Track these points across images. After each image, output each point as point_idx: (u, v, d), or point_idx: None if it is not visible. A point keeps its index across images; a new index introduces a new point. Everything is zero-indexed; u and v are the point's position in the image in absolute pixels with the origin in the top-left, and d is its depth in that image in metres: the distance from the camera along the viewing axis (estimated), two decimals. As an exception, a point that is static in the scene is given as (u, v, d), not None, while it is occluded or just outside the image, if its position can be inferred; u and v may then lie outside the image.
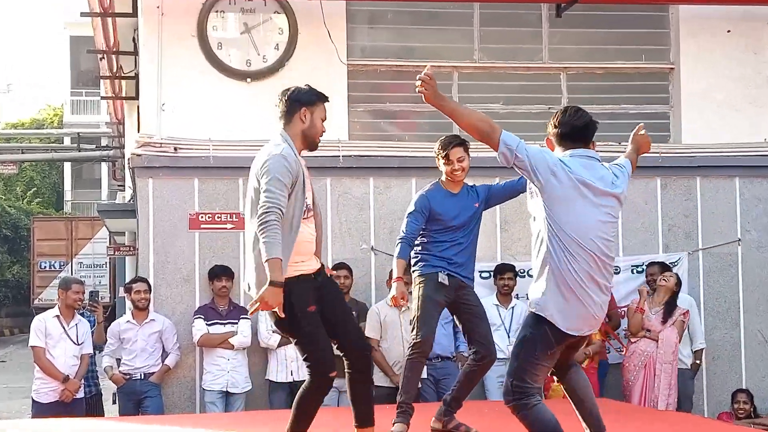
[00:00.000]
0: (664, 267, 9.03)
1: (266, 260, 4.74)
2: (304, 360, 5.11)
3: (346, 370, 5.25)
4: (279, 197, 4.83)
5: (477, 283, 8.82)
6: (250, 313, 5.12)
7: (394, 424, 6.05)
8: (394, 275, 6.29)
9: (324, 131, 5.28)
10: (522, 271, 9.47)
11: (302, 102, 5.19)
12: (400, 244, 6.30)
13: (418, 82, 4.69)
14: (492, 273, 9.25)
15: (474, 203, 6.40)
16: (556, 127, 4.91)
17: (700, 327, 9.38)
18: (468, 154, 6.35)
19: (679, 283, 8.90)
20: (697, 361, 9.25)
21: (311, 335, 5.07)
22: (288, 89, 5.28)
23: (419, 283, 6.25)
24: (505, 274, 9.08)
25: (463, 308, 6.38)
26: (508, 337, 8.95)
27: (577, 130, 4.88)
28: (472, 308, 6.41)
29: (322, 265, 5.30)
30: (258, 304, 4.74)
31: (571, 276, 4.68)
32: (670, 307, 8.76)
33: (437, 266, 6.25)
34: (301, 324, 5.03)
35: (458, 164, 6.28)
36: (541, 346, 4.77)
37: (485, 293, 9.01)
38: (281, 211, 4.81)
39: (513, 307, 9.09)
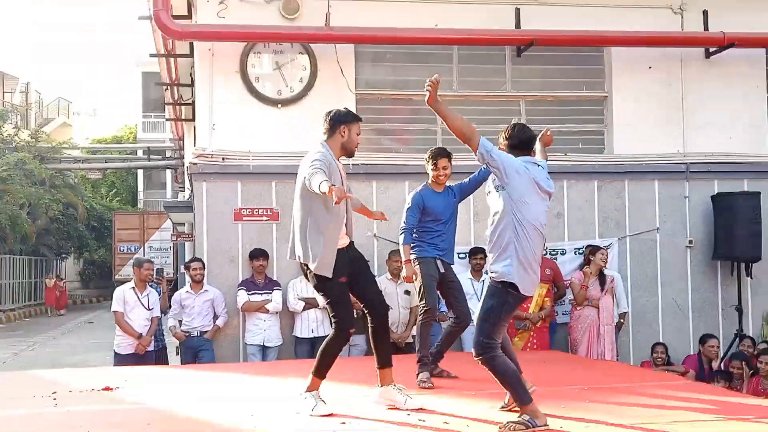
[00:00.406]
0: (595, 248, 9.02)
1: (319, 188, 4.71)
2: (332, 317, 5.19)
3: (369, 324, 5.30)
4: (321, 164, 4.92)
5: (456, 261, 8.85)
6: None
7: (418, 374, 6.16)
8: (403, 258, 6.50)
9: (359, 143, 5.36)
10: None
11: (342, 121, 5.26)
12: (404, 233, 6.50)
13: (428, 84, 4.80)
14: (467, 254, 9.24)
15: (453, 199, 6.61)
16: (506, 139, 5.02)
17: (624, 295, 9.37)
18: (451, 164, 6.48)
19: (605, 260, 8.91)
20: (622, 320, 9.22)
21: (340, 300, 5.17)
22: (331, 111, 5.35)
23: (419, 264, 6.41)
24: (477, 255, 9.07)
25: (446, 284, 6.55)
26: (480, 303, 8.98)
27: (523, 142, 5.00)
28: (452, 284, 6.59)
29: (351, 242, 5.34)
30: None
31: (530, 252, 4.80)
32: (602, 278, 8.79)
33: (431, 252, 6.44)
34: (333, 290, 5.14)
35: (443, 171, 6.54)
36: (506, 309, 4.86)
37: (462, 270, 8.98)
38: (320, 170, 4.85)
39: (483, 281, 9.08)
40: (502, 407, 5.07)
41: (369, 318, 5.31)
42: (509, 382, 4.75)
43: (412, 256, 6.44)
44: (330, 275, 5.08)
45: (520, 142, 4.98)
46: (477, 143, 4.73)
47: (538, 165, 5.00)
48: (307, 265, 5.15)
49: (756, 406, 5.32)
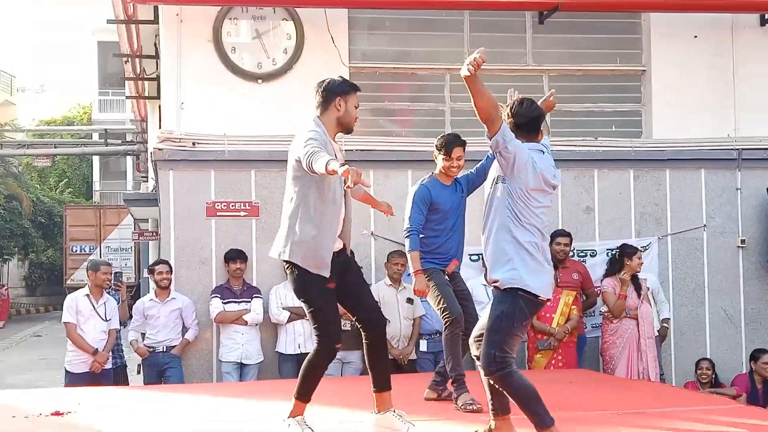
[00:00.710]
0: (631, 250, 8.96)
1: (325, 167, 4.62)
2: (314, 329, 5.14)
3: (363, 341, 5.28)
4: (317, 143, 4.84)
5: (467, 264, 8.88)
6: None
7: (458, 397, 6.12)
8: (412, 269, 6.33)
9: (357, 117, 5.30)
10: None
11: (337, 92, 5.21)
12: (410, 237, 6.32)
13: (472, 58, 4.65)
14: (480, 256, 9.23)
15: (461, 194, 6.51)
16: (512, 117, 4.96)
17: (665, 300, 9.43)
18: (464, 153, 6.38)
19: (640, 263, 8.90)
20: (666, 326, 9.27)
21: (324, 309, 5.12)
22: (323, 81, 5.30)
23: (427, 277, 6.28)
24: (492, 259, 9.07)
25: (455, 293, 6.37)
26: (495, 312, 8.99)
27: (532, 121, 4.97)
28: (462, 293, 6.46)
29: (344, 245, 5.27)
30: None
31: (535, 249, 4.82)
32: (637, 283, 8.79)
33: (438, 262, 6.33)
34: (317, 297, 5.10)
35: (457, 162, 6.35)
36: (519, 316, 4.84)
37: (474, 274, 9.03)
38: (317, 149, 4.78)
39: (498, 286, 9.09)
40: None
41: (363, 333, 5.28)
42: (528, 402, 4.73)
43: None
44: (327, 275, 5.03)
45: (530, 121, 4.96)
46: (498, 128, 4.73)
47: (543, 152, 4.97)
48: (290, 264, 5.10)
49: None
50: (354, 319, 5.39)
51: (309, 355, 5.22)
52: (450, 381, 6.26)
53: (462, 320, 6.20)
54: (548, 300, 5.02)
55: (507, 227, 4.82)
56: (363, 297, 5.36)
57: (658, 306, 9.23)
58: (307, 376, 5.15)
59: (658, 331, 9.10)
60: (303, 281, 5.09)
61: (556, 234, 8.98)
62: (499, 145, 4.74)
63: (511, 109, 4.99)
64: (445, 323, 6.18)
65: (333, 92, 5.21)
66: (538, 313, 5.45)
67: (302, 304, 5.26)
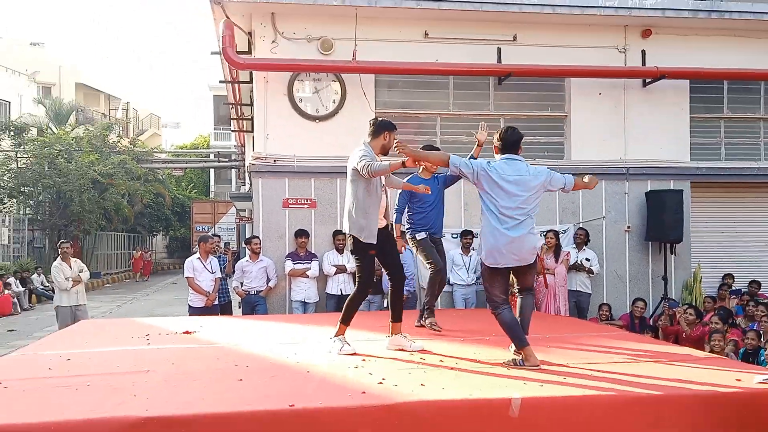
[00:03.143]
0: (548, 232, 8.96)
1: (389, 166, 4.78)
2: (358, 276, 5.15)
3: (389, 287, 5.31)
4: (369, 158, 4.91)
5: (449, 240, 8.87)
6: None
7: (427, 318, 6.17)
8: (396, 233, 6.24)
9: (392, 146, 5.21)
10: (477, 234, 9.49)
11: (387, 128, 5.21)
12: (395, 214, 6.39)
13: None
14: (459, 235, 9.24)
15: (438, 185, 6.39)
16: (499, 140, 4.91)
17: (595, 258, 9.36)
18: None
19: (557, 240, 8.85)
20: (583, 266, 9.15)
21: (366, 266, 5.13)
22: (377, 119, 5.30)
23: (418, 241, 6.24)
24: (467, 236, 9.08)
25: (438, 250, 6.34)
26: (467, 272, 9.00)
27: (510, 143, 4.89)
28: (440, 252, 6.37)
29: (387, 224, 5.32)
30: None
31: (492, 236, 4.72)
32: (555, 253, 8.75)
33: (425, 230, 6.26)
34: (365, 255, 5.11)
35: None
36: (486, 277, 4.84)
37: (453, 247, 9.05)
38: (372, 162, 4.85)
39: (471, 256, 9.11)
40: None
41: (390, 282, 5.32)
42: (509, 329, 4.70)
43: (408, 235, 6.31)
44: (374, 242, 5.03)
45: (508, 142, 4.87)
46: (447, 162, 4.77)
47: (514, 159, 4.81)
48: (353, 236, 5.11)
49: (668, 353, 5.32)
50: (386, 272, 5.40)
51: (351, 293, 5.24)
52: (426, 308, 6.27)
53: (442, 271, 6.25)
54: (508, 268, 4.80)
55: (482, 216, 4.82)
56: (394, 259, 5.36)
57: (591, 263, 9.20)
58: (349, 307, 5.17)
59: (576, 263, 9.07)
60: (357, 246, 5.11)
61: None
62: (455, 170, 4.79)
63: (499, 134, 4.92)
64: (431, 270, 6.19)
65: (384, 127, 5.20)
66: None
67: (354, 260, 5.24)
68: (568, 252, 9.05)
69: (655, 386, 4.00)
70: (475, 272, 9.00)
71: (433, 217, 6.34)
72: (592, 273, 9.27)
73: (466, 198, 9.59)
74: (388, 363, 4.73)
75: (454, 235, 9.29)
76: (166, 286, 25.23)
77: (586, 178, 4.93)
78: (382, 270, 5.94)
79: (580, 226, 9.69)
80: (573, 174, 5.05)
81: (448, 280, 9.06)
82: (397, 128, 5.34)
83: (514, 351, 4.70)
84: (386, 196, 5.35)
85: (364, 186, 5.04)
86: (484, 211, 4.78)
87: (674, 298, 9.75)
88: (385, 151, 5.26)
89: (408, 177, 6.39)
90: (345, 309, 5.20)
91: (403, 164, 4.82)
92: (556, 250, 8.80)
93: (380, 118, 5.32)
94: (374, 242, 5.05)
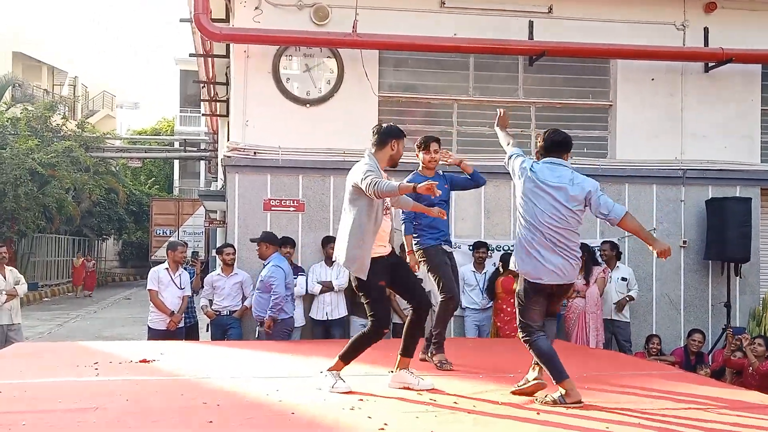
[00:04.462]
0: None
1: (398, 188, 4.79)
2: (370, 316, 5.13)
3: (410, 317, 5.30)
4: (374, 175, 4.85)
5: (461, 252, 8.90)
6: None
7: (435, 354, 6.14)
8: (407, 249, 6.26)
9: (402, 155, 5.27)
10: (498, 247, 9.49)
11: (393, 135, 5.20)
12: (404, 224, 6.28)
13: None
14: (471, 247, 9.22)
15: (444, 184, 6.23)
16: (542, 141, 5.12)
17: (635, 284, 9.35)
18: (440, 148, 6.27)
19: (590, 256, 8.81)
20: (626, 299, 9.14)
21: (377, 301, 5.11)
22: (381, 125, 5.29)
23: (426, 253, 6.14)
24: (480, 249, 9.09)
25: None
26: (482, 294, 9.02)
27: (551, 145, 5.08)
28: (452, 269, 6.29)
29: (393, 249, 5.30)
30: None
31: (530, 244, 4.88)
32: (586, 272, 8.72)
33: (434, 239, 6.16)
34: (372, 291, 5.08)
35: (434, 154, 6.19)
36: (527, 294, 4.95)
37: (465, 261, 9.07)
38: (377, 178, 4.82)
39: (485, 272, 9.10)
40: (513, 392, 5.08)
41: (412, 311, 5.30)
42: (546, 361, 4.80)
43: (415, 246, 6.20)
44: (365, 277, 5.01)
45: (552, 144, 5.06)
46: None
47: (555, 163, 4.99)
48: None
49: (732, 399, 5.30)
50: (407, 301, 5.40)
51: (363, 331, 5.23)
52: (434, 342, 6.20)
53: (456, 298, 6.15)
54: (552, 284, 4.90)
55: (518, 224, 5.04)
56: (413, 285, 5.34)
57: (630, 286, 9.19)
58: (354, 346, 5.15)
59: (617, 302, 9.07)
60: (360, 282, 5.08)
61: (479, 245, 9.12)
62: (506, 163, 5.22)
63: (541, 136, 5.18)
64: (442, 298, 6.07)
65: (390, 135, 5.19)
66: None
67: (361, 297, 5.18)
68: (605, 269, 9.03)
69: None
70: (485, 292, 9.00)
71: (440, 221, 6.16)
72: (632, 299, 9.25)
73: (488, 204, 9.59)
74: (390, 404, 4.72)
75: (470, 247, 9.29)
76: (118, 301, 25.25)
77: (653, 244, 4.92)
78: None
79: (624, 239, 9.69)
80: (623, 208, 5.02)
81: (459, 304, 9.05)
82: (405, 135, 5.32)
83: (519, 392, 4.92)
84: (392, 220, 5.33)
85: (365, 207, 5.01)
86: (522, 219, 4.93)
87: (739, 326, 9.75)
88: (393, 164, 5.25)
89: (408, 176, 6.34)
90: (350, 346, 5.17)
91: (414, 189, 4.74)
92: (587, 267, 8.77)
93: (384, 124, 5.32)
94: (364, 277, 5.02)
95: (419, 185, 4.72)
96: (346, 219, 5.11)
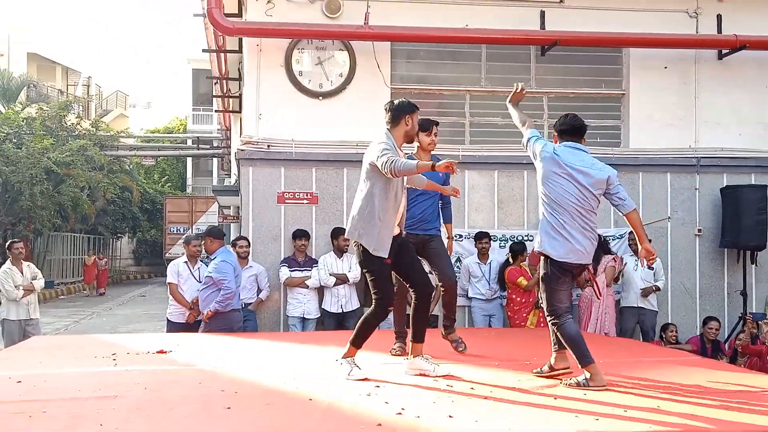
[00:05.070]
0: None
1: (416, 166, 4.76)
2: (373, 293, 5.12)
3: (413, 301, 5.28)
4: (391, 154, 4.83)
5: (473, 244, 8.95)
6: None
7: (448, 334, 6.27)
8: (448, 234, 6.46)
9: (417, 129, 5.27)
10: (512, 237, 9.47)
11: (406, 111, 5.16)
12: (445, 208, 6.45)
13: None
14: (474, 238, 9.22)
15: (439, 173, 5.76)
16: (560, 126, 5.25)
17: (662, 274, 9.40)
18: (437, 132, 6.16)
19: (600, 245, 8.74)
20: (650, 287, 9.18)
21: (382, 277, 5.11)
22: (393, 101, 5.25)
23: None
24: (482, 239, 9.08)
25: (430, 252, 6.12)
26: (488, 284, 9.00)
27: (571, 129, 5.20)
28: (435, 250, 6.14)
29: (401, 231, 5.28)
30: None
31: (558, 224, 4.98)
32: (596, 260, 8.56)
33: (408, 228, 5.79)
34: (379, 268, 5.08)
35: (434, 137, 6.07)
36: (553, 277, 5.04)
37: (468, 254, 9.21)
38: (396, 158, 4.79)
39: (490, 263, 9.08)
40: (537, 373, 5.18)
41: (414, 295, 5.29)
42: (573, 344, 4.90)
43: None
44: (386, 256, 5.00)
45: (570, 128, 5.19)
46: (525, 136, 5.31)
47: (575, 148, 5.11)
48: (360, 244, 5.07)
49: (750, 385, 5.27)
50: (408, 285, 5.36)
51: (367, 312, 5.20)
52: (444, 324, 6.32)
53: (429, 287, 5.43)
54: (577, 264, 5.04)
55: (541, 206, 5.15)
56: (416, 268, 5.34)
57: (656, 276, 9.24)
58: (362, 329, 5.14)
59: (642, 288, 9.11)
60: (366, 257, 5.07)
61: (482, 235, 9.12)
62: (525, 145, 5.30)
63: (559, 120, 5.29)
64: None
65: (403, 111, 5.15)
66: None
67: (365, 273, 5.17)
68: (615, 257, 8.97)
69: (732, 423, 3.96)
70: (497, 283, 8.99)
71: (424, 205, 6.05)
72: (659, 289, 9.26)
73: (501, 194, 9.58)
74: (407, 390, 4.73)
75: (472, 237, 9.29)
76: (133, 299, 25.37)
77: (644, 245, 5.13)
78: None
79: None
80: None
81: (466, 294, 9.06)
82: (418, 108, 5.29)
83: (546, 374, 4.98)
84: (405, 199, 5.31)
85: (382, 186, 4.99)
86: (547, 201, 5.00)
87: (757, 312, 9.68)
88: (409, 139, 5.24)
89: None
90: (358, 329, 5.17)
91: (433, 167, 4.74)
92: (596, 255, 8.68)
93: (395, 101, 5.27)
94: (385, 255, 5.02)
95: (438, 163, 4.71)
96: (361, 197, 5.09)
